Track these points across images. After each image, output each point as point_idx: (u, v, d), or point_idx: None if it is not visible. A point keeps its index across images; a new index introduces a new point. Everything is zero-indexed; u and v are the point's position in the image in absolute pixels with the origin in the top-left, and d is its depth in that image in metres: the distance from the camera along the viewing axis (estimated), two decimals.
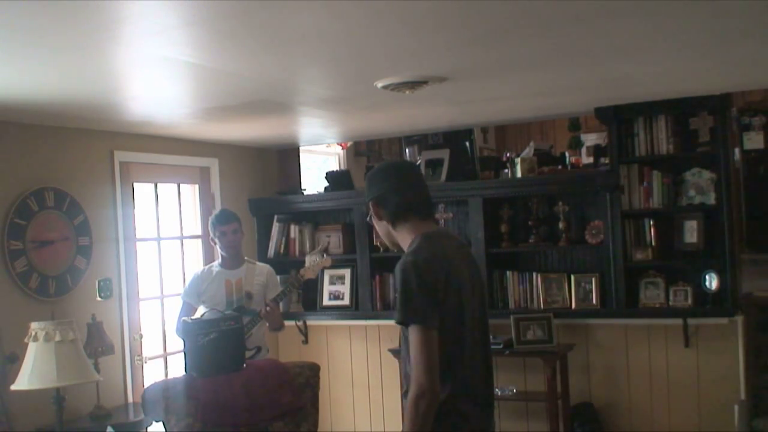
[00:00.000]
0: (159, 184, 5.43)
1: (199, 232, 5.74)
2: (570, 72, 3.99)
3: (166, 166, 5.44)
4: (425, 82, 3.80)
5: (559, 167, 6.08)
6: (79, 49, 2.92)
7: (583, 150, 7.54)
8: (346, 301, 5.97)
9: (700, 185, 5.06)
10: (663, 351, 5.22)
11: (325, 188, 6.18)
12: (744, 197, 6.54)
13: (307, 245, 6.07)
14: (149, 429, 4.43)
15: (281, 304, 4.76)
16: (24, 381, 3.74)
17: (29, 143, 4.40)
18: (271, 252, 6.18)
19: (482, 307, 2.70)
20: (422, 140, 6.09)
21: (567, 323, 5.40)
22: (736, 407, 4.92)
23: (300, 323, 6.14)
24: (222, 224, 4.67)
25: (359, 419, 6.05)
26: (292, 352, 6.07)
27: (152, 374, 5.16)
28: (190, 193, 5.77)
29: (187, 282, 4.85)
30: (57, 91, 3.68)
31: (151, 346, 5.24)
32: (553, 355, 5.13)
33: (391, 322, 5.67)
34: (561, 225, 5.38)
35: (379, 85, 3.84)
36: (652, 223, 5.13)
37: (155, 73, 3.46)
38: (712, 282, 4.91)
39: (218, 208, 5.56)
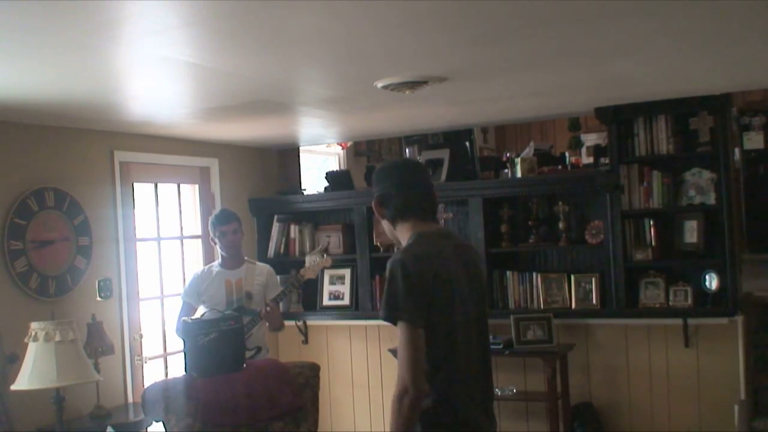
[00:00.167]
0: (159, 184, 5.43)
1: (199, 232, 5.74)
2: (570, 72, 3.99)
3: (166, 166, 5.44)
4: (425, 82, 3.80)
5: (559, 167, 6.09)
6: (79, 49, 2.92)
7: (583, 150, 7.54)
8: (346, 301, 5.97)
9: (700, 185, 5.06)
10: (663, 351, 5.22)
11: (325, 188, 6.18)
12: (744, 197, 6.54)
13: (307, 245, 6.07)
14: (149, 429, 4.43)
15: (281, 304, 4.76)
16: (24, 381, 3.75)
17: (29, 143, 4.40)
18: (271, 252, 6.18)
19: (480, 306, 2.70)
20: (422, 140, 6.09)
21: (567, 323, 5.40)
22: (736, 407, 4.92)
23: (300, 323, 6.14)
24: (222, 224, 4.67)
25: (359, 419, 6.05)
26: (292, 352, 6.07)
27: (152, 374, 5.16)
28: (190, 193, 5.77)
29: (187, 282, 4.85)
30: (57, 91, 3.68)
31: (151, 346, 5.24)
32: (553, 355, 5.13)
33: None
34: (561, 225, 5.38)
35: (379, 85, 3.84)
36: (652, 223, 5.13)
37: (155, 73, 3.46)
38: (712, 282, 4.91)
39: (218, 208, 5.56)
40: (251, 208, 6.16)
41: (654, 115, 5.11)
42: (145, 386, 4.27)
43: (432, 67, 3.62)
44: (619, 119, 5.18)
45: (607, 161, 5.54)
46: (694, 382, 5.12)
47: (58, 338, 3.77)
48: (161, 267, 5.38)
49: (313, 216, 6.22)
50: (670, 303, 5.09)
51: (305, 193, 6.39)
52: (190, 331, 4.13)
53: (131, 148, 5.07)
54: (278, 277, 4.96)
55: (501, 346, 5.17)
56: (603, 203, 5.21)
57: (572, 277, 5.37)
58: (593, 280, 5.30)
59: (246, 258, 4.84)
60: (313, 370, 4.38)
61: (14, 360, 3.98)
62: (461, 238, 2.92)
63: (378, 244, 5.86)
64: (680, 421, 5.15)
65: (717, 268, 4.93)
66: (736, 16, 3.03)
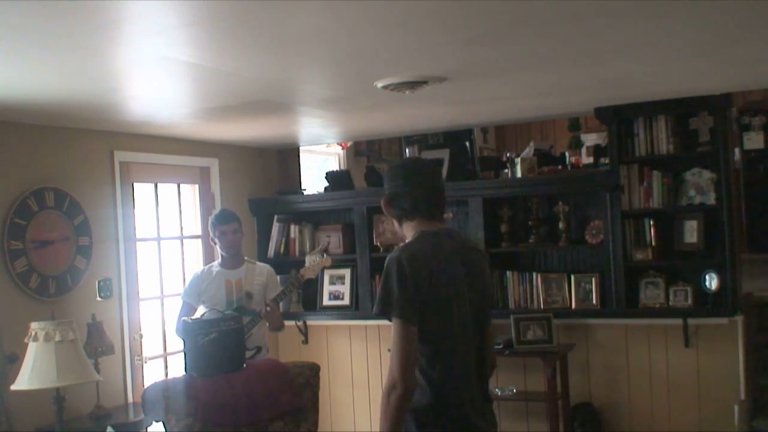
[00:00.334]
0: (159, 184, 5.43)
1: (199, 232, 5.74)
2: (570, 72, 3.99)
3: (166, 166, 5.44)
4: (425, 82, 3.80)
5: (559, 167, 6.09)
6: (79, 49, 2.93)
7: (583, 150, 7.54)
8: (346, 301, 5.97)
9: (700, 185, 5.06)
10: (663, 351, 5.22)
11: (325, 188, 6.18)
12: (744, 197, 6.54)
13: (307, 245, 6.07)
14: (149, 429, 4.43)
15: (281, 304, 4.76)
16: (24, 381, 3.75)
17: (29, 143, 4.40)
18: (271, 252, 6.18)
19: (480, 307, 2.71)
20: (422, 140, 6.09)
21: (567, 323, 5.40)
22: (736, 407, 4.92)
23: (300, 323, 6.14)
24: (222, 224, 4.67)
25: (359, 419, 6.05)
26: (292, 352, 6.07)
27: (152, 374, 5.16)
28: (190, 193, 5.77)
29: (187, 282, 4.84)
30: (57, 91, 3.68)
31: (151, 346, 5.24)
32: (553, 355, 5.13)
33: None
34: (561, 225, 5.38)
35: (379, 85, 3.84)
36: (652, 223, 5.13)
37: (155, 73, 3.46)
38: (712, 282, 4.90)
39: (218, 208, 5.56)
40: (251, 208, 6.16)
41: (654, 115, 5.11)
42: (145, 386, 4.27)
43: (432, 67, 3.62)
44: (619, 119, 5.18)
45: (607, 161, 5.54)
46: (694, 382, 5.12)
47: (58, 338, 3.77)
48: (161, 267, 5.38)
49: (313, 216, 6.22)
50: (670, 303, 5.09)
51: (305, 193, 6.39)
52: (190, 331, 4.12)
53: (131, 148, 5.07)
54: (278, 277, 4.96)
55: (501, 346, 5.16)
56: (603, 203, 5.21)
57: (572, 277, 5.37)
58: (593, 280, 5.30)
59: (246, 258, 4.84)
60: (313, 370, 4.38)
61: (14, 360, 3.98)
62: (467, 239, 2.93)
63: (378, 244, 5.86)
64: (680, 421, 5.15)
65: (717, 268, 4.93)
66: (736, 16, 3.03)
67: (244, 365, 4.22)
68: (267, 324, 4.64)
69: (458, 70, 3.71)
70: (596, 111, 5.23)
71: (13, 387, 3.80)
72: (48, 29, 2.65)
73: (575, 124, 7.25)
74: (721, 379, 5.04)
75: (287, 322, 5.35)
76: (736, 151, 6.43)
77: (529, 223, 5.49)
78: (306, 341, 6.19)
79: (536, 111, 5.56)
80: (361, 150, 7.85)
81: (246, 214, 6.00)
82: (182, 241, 5.64)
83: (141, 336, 5.04)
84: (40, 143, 4.45)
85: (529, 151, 5.84)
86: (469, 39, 3.13)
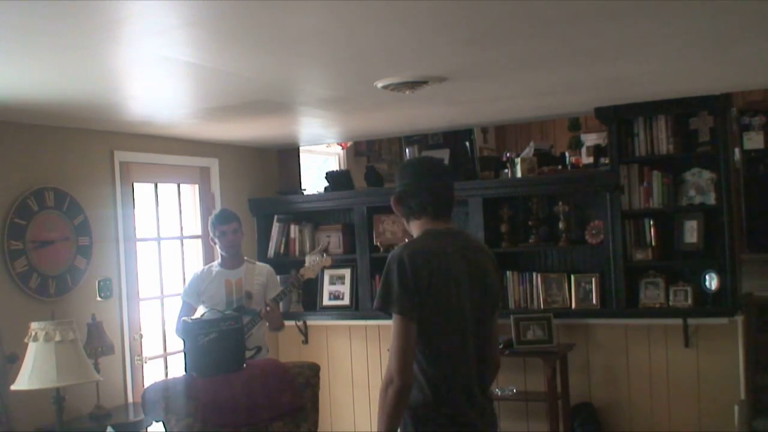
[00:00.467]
0: (159, 184, 5.43)
1: (199, 232, 5.74)
2: (570, 72, 3.99)
3: (166, 166, 5.44)
4: (425, 82, 3.80)
5: (559, 167, 6.08)
6: (79, 49, 2.93)
7: (583, 150, 7.53)
8: (346, 301, 5.97)
9: (700, 185, 5.06)
10: (663, 351, 5.22)
11: (325, 188, 6.18)
12: (744, 197, 6.54)
13: (307, 245, 6.07)
14: (149, 429, 4.43)
15: (281, 304, 4.76)
16: (24, 381, 3.75)
17: (29, 143, 4.40)
18: (271, 252, 6.18)
19: (482, 307, 2.71)
20: (422, 140, 6.09)
21: (567, 323, 5.40)
22: (736, 407, 4.92)
23: (300, 323, 6.14)
24: (222, 224, 4.67)
25: (359, 419, 6.05)
26: (292, 352, 6.07)
27: (152, 374, 5.16)
28: (190, 193, 5.77)
29: (187, 282, 4.84)
30: (57, 91, 3.68)
31: (151, 346, 5.24)
32: (553, 355, 5.13)
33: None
34: (561, 225, 5.38)
35: (379, 85, 3.85)
36: (652, 223, 5.13)
37: (155, 73, 3.46)
38: (712, 282, 4.91)
39: (218, 208, 5.56)
40: (251, 208, 6.16)
41: (654, 115, 5.11)
42: (145, 386, 4.27)
43: (432, 67, 3.62)
44: (619, 119, 5.18)
45: (607, 161, 5.54)
46: (694, 382, 5.12)
47: (58, 338, 3.77)
48: (161, 267, 5.38)
49: (313, 216, 6.22)
50: (670, 303, 5.09)
51: (305, 193, 6.40)
52: (190, 331, 4.12)
53: (131, 148, 5.07)
54: (278, 277, 4.96)
55: (501, 346, 5.16)
56: (603, 203, 5.22)
57: (572, 277, 5.37)
58: (593, 280, 5.30)
59: (246, 258, 4.84)
60: (313, 370, 4.38)
61: (14, 360, 3.98)
62: (474, 240, 2.94)
63: (378, 244, 5.86)
64: (680, 421, 5.15)
65: (717, 268, 4.93)
66: (736, 16, 3.03)
67: (244, 365, 4.22)
68: (267, 324, 4.64)
69: (458, 70, 3.71)
70: (596, 111, 5.23)
71: (13, 387, 3.80)
72: (48, 29, 2.65)
73: (575, 124, 7.24)
74: (721, 379, 5.04)
75: (287, 322, 5.35)
76: (736, 151, 6.41)
77: (529, 223, 5.49)
78: (306, 341, 6.19)
79: (536, 111, 5.56)
80: (361, 150, 7.85)
81: (246, 214, 6.00)
82: (182, 241, 5.64)
83: (141, 336, 5.04)
84: (40, 143, 4.45)
85: (529, 151, 5.83)
86: (469, 39, 3.13)
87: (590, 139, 7.75)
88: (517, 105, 5.05)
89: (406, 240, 2.77)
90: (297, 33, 2.90)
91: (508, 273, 5.52)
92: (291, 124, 5.26)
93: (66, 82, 3.51)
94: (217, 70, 3.42)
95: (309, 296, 6.14)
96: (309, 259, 4.84)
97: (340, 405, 6.11)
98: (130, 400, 4.88)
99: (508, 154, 5.95)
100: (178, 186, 5.64)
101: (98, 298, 4.74)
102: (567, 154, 6.91)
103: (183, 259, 5.61)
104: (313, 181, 7.20)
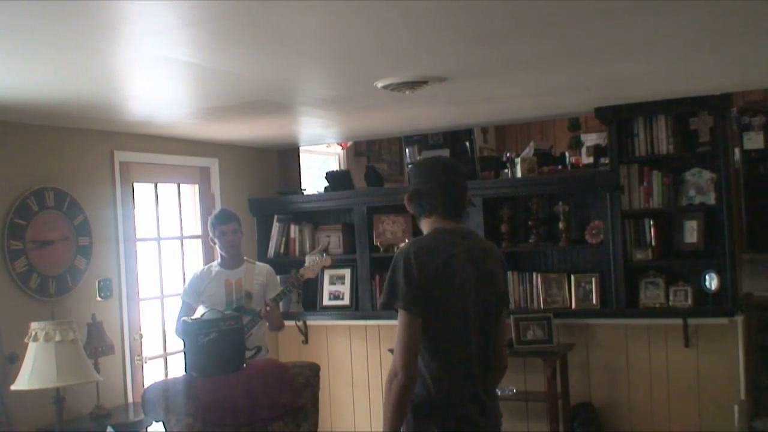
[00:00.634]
0: (159, 184, 5.43)
1: (199, 232, 5.74)
2: (570, 72, 3.99)
3: (166, 166, 5.44)
4: (425, 82, 3.80)
5: (559, 167, 6.08)
6: (79, 49, 2.93)
7: (583, 150, 7.53)
8: (346, 301, 5.98)
9: (700, 185, 5.06)
10: (663, 351, 5.22)
11: (325, 188, 6.18)
12: (744, 197, 6.54)
13: (307, 245, 6.07)
14: (149, 429, 4.43)
15: (281, 304, 4.75)
16: (24, 381, 3.75)
17: (29, 143, 4.40)
18: (271, 252, 6.18)
19: (488, 307, 2.74)
20: (422, 140, 6.09)
21: (567, 323, 5.40)
22: (736, 407, 4.92)
23: (300, 323, 6.14)
24: (222, 224, 4.67)
25: (359, 419, 6.05)
26: (292, 352, 6.07)
27: (152, 374, 5.16)
28: (190, 193, 5.77)
29: (187, 282, 4.84)
30: (57, 91, 3.68)
31: (151, 346, 5.24)
32: (553, 355, 5.13)
33: (392, 322, 5.69)
34: (561, 225, 5.38)
35: (379, 85, 3.85)
36: (652, 223, 5.13)
37: (155, 73, 3.46)
38: (712, 282, 4.91)
39: (218, 208, 5.56)
40: (251, 208, 6.16)
41: (654, 115, 5.11)
42: (145, 386, 4.27)
43: (432, 67, 3.62)
44: (619, 119, 5.18)
45: (607, 161, 5.54)
46: (694, 382, 5.12)
47: (58, 338, 3.77)
48: (161, 267, 5.38)
49: (313, 216, 6.22)
50: (670, 303, 5.09)
51: (305, 193, 6.39)
52: (190, 331, 4.12)
53: (131, 148, 5.07)
54: (278, 277, 4.96)
55: None
56: (603, 203, 5.22)
57: (572, 277, 5.37)
58: (593, 280, 5.30)
59: (245, 258, 4.84)
60: (313, 370, 4.38)
61: (14, 360, 3.98)
62: (483, 240, 2.97)
63: (378, 244, 5.86)
64: (680, 421, 5.15)
65: (717, 268, 4.93)
66: (736, 16, 3.03)
67: (244, 365, 4.21)
68: (267, 324, 4.64)
69: (458, 70, 3.71)
70: (596, 111, 5.23)
71: (13, 387, 3.80)
72: (48, 29, 2.65)
73: (575, 124, 7.24)
74: (721, 379, 5.04)
75: (287, 322, 5.35)
76: (736, 151, 6.42)
77: (529, 223, 5.49)
78: (306, 341, 6.19)
79: (536, 111, 5.56)
80: (361, 150, 7.85)
81: (246, 214, 6.00)
82: (182, 241, 5.64)
83: (141, 336, 5.04)
84: (40, 143, 4.45)
85: (529, 151, 5.83)
86: (469, 39, 3.13)
87: (590, 139, 7.75)
88: (517, 105, 5.05)
89: (406, 240, 2.80)
90: (297, 33, 2.90)
91: (509, 273, 5.51)
92: (291, 124, 5.26)
93: (66, 82, 3.51)
94: (217, 70, 3.42)
95: (309, 296, 6.13)
96: (309, 259, 4.84)
97: (340, 405, 6.11)
98: (130, 400, 4.88)
99: (508, 154, 5.95)
100: (178, 186, 5.64)
101: (98, 298, 4.74)
102: (567, 154, 6.91)
103: (183, 259, 5.61)
104: (313, 181, 7.20)
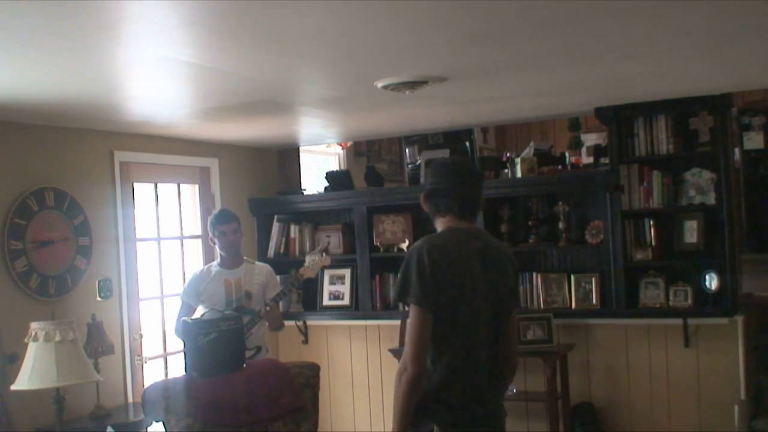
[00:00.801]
0: (159, 184, 5.43)
1: (199, 232, 5.74)
2: (570, 72, 3.99)
3: (166, 166, 5.44)
4: (425, 82, 3.80)
5: (559, 167, 6.08)
6: (79, 49, 2.93)
7: (583, 150, 7.52)
8: (346, 301, 5.97)
9: (700, 185, 5.06)
10: (663, 351, 5.22)
11: (325, 188, 6.18)
12: (744, 197, 6.54)
13: (307, 245, 6.07)
14: (149, 429, 4.43)
15: (281, 304, 4.76)
16: (24, 381, 3.75)
17: (29, 143, 4.40)
18: (271, 252, 6.18)
19: (497, 307, 2.77)
20: (422, 140, 6.09)
21: (567, 323, 5.39)
22: (736, 407, 4.92)
23: (300, 323, 6.14)
24: (221, 224, 4.67)
25: (359, 419, 6.05)
26: (292, 352, 6.07)
27: (152, 374, 5.16)
28: (190, 193, 5.77)
29: (186, 282, 4.84)
30: (57, 91, 3.68)
31: (151, 346, 5.24)
32: (553, 355, 5.13)
33: (391, 322, 5.73)
34: (561, 225, 5.38)
35: (379, 85, 3.85)
36: (652, 223, 5.13)
37: (155, 73, 3.46)
38: (712, 282, 4.91)
39: (218, 208, 5.56)
40: (251, 208, 6.16)
41: (654, 115, 5.11)
42: (145, 386, 4.27)
43: (432, 67, 3.62)
44: (619, 119, 5.18)
45: (607, 161, 5.54)
46: (694, 382, 5.12)
47: (58, 338, 3.77)
48: (161, 267, 5.38)
49: (313, 216, 6.22)
50: (670, 303, 5.09)
51: (305, 193, 6.40)
52: (190, 331, 4.12)
53: (131, 148, 5.07)
54: (278, 277, 4.96)
55: None
56: (603, 203, 5.22)
57: (572, 277, 5.37)
58: (593, 280, 5.30)
59: (245, 258, 4.84)
60: (313, 370, 4.38)
61: (14, 360, 3.98)
62: (495, 241, 3.02)
63: (378, 244, 5.86)
64: (680, 421, 5.15)
65: (717, 268, 4.93)
66: (736, 16, 3.03)
67: (244, 365, 4.21)
68: (267, 324, 4.64)
69: (458, 70, 3.71)
70: (596, 111, 5.23)
71: (13, 387, 3.80)
72: (48, 29, 2.65)
73: (575, 124, 7.24)
74: (721, 379, 5.04)
75: (287, 322, 5.35)
76: (736, 151, 6.42)
77: (529, 223, 5.49)
78: (306, 341, 6.19)
79: (536, 111, 5.56)
80: (361, 150, 7.85)
81: (246, 214, 6.00)
82: (182, 241, 5.64)
83: (141, 336, 5.04)
84: (40, 143, 4.45)
85: (529, 151, 5.83)
86: (469, 39, 3.13)
87: (590, 139, 7.74)
88: (517, 105, 5.05)
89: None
90: (297, 33, 2.90)
91: None
92: (291, 124, 5.26)
93: (66, 82, 3.51)
94: (217, 70, 3.42)
95: (309, 296, 6.13)
96: (309, 259, 4.84)
97: (340, 405, 6.11)
98: (130, 400, 4.88)
99: (508, 154, 5.95)
100: (178, 186, 5.64)
101: (98, 298, 4.74)
102: (567, 154, 6.90)
103: (183, 259, 5.61)
104: (313, 181, 7.20)
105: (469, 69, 3.72)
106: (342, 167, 7.68)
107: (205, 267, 4.86)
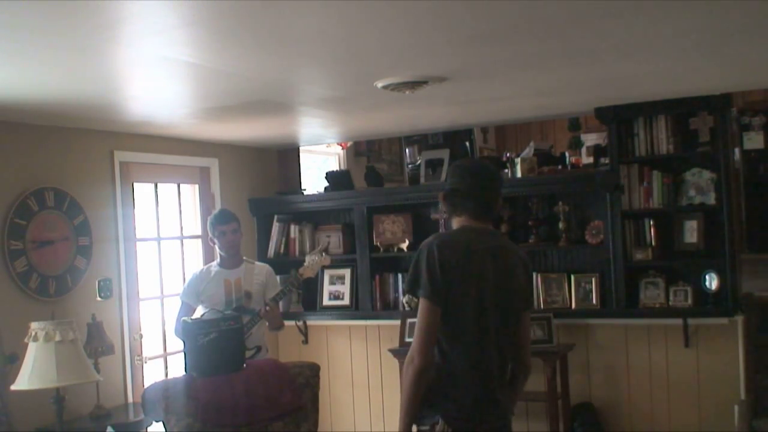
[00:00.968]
0: (159, 184, 5.43)
1: (199, 232, 5.74)
2: (570, 72, 3.99)
3: (166, 166, 5.44)
4: (425, 82, 3.80)
5: (559, 167, 6.08)
6: (79, 49, 2.93)
7: (583, 150, 7.52)
8: (346, 301, 5.97)
9: (700, 185, 5.06)
10: (663, 351, 5.22)
11: (325, 188, 6.18)
12: (744, 197, 6.53)
13: (307, 245, 6.07)
14: (149, 429, 4.43)
15: (281, 304, 4.76)
16: (24, 381, 3.75)
17: (29, 143, 4.40)
18: (271, 252, 6.18)
19: (507, 305, 2.81)
20: (422, 140, 6.09)
21: (567, 323, 5.39)
22: (736, 407, 4.92)
23: (300, 323, 6.14)
24: (221, 224, 4.67)
25: (359, 419, 6.05)
26: (292, 352, 6.07)
27: (152, 374, 5.16)
28: (190, 193, 5.77)
29: (186, 282, 4.84)
30: (57, 91, 3.68)
31: (151, 346, 5.24)
32: (553, 355, 5.13)
33: (391, 322, 5.73)
34: (561, 225, 5.38)
35: (379, 85, 3.85)
36: (652, 223, 5.13)
37: (155, 73, 3.46)
38: (712, 282, 4.91)
39: (218, 208, 5.56)
40: (251, 208, 6.16)
41: (654, 115, 5.11)
42: (145, 386, 4.27)
43: (432, 67, 3.62)
44: (619, 119, 5.18)
45: (607, 161, 5.54)
46: (694, 382, 5.12)
47: (58, 338, 3.77)
48: (161, 267, 5.38)
49: (313, 216, 6.22)
50: (670, 303, 5.09)
51: (305, 193, 6.39)
52: (190, 332, 4.12)
53: (131, 148, 5.07)
54: (277, 277, 4.96)
55: None
56: (603, 203, 5.22)
57: (572, 277, 5.37)
58: (593, 280, 5.30)
59: (245, 258, 4.84)
60: (313, 370, 4.38)
61: (14, 360, 3.98)
62: (507, 242, 3.07)
63: (378, 244, 5.86)
64: (680, 421, 5.15)
65: (717, 268, 4.93)
66: (736, 16, 3.03)
67: (244, 365, 4.21)
68: (267, 324, 4.64)
69: (458, 70, 3.71)
70: (596, 111, 5.23)
71: (13, 387, 3.80)
72: (48, 29, 2.65)
73: (575, 124, 7.23)
74: (721, 379, 5.04)
75: (287, 322, 5.36)
76: (736, 151, 6.41)
77: (529, 223, 5.49)
78: (306, 341, 6.19)
79: (536, 111, 5.56)
80: (361, 150, 7.84)
81: (246, 214, 6.00)
82: (182, 241, 5.64)
83: (141, 336, 5.04)
84: (40, 143, 4.45)
85: (529, 151, 5.83)
86: (469, 39, 3.13)
87: (590, 139, 7.73)
88: (517, 105, 5.05)
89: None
90: (297, 33, 2.90)
91: None
92: (291, 124, 5.26)
93: (66, 82, 3.51)
94: (217, 70, 3.42)
95: (309, 296, 6.14)
96: (308, 259, 4.84)
97: (340, 405, 6.11)
98: (130, 400, 4.88)
99: (508, 154, 5.95)
100: (178, 186, 5.64)
101: (98, 298, 4.74)
102: (567, 154, 6.90)
103: (183, 259, 5.61)
104: (313, 181, 7.20)
105: (469, 69, 3.72)
106: (342, 167, 7.68)
107: (205, 267, 4.86)
